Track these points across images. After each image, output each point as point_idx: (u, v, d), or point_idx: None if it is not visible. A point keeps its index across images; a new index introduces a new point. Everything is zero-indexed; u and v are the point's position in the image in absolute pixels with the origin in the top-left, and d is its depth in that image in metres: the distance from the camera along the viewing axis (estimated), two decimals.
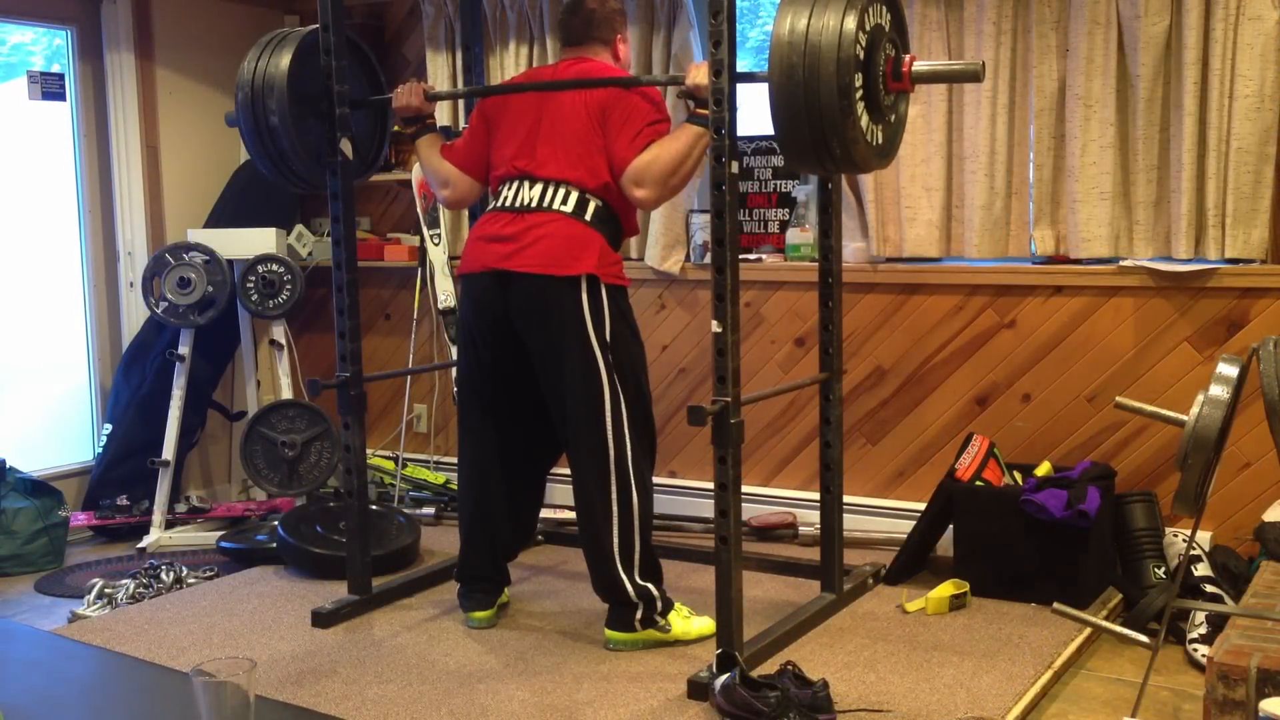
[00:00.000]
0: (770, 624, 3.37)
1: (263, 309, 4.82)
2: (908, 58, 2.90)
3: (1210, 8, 3.61)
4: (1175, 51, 3.70)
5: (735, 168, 2.95)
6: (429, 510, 4.77)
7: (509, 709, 2.94)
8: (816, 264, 3.57)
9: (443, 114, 4.88)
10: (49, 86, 4.79)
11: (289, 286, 4.81)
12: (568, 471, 3.41)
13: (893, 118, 2.97)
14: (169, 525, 4.67)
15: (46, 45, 5.00)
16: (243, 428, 4.73)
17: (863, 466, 4.30)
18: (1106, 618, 3.45)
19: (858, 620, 3.53)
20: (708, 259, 3.40)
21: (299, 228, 5.21)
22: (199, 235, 4.84)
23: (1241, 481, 3.71)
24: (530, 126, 3.37)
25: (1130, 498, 3.77)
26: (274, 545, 4.18)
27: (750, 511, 4.23)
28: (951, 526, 3.79)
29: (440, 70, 4.88)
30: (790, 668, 2.86)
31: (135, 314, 4.96)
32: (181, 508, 4.81)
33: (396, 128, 3.90)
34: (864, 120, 2.78)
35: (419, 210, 4.90)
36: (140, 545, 4.55)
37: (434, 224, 4.87)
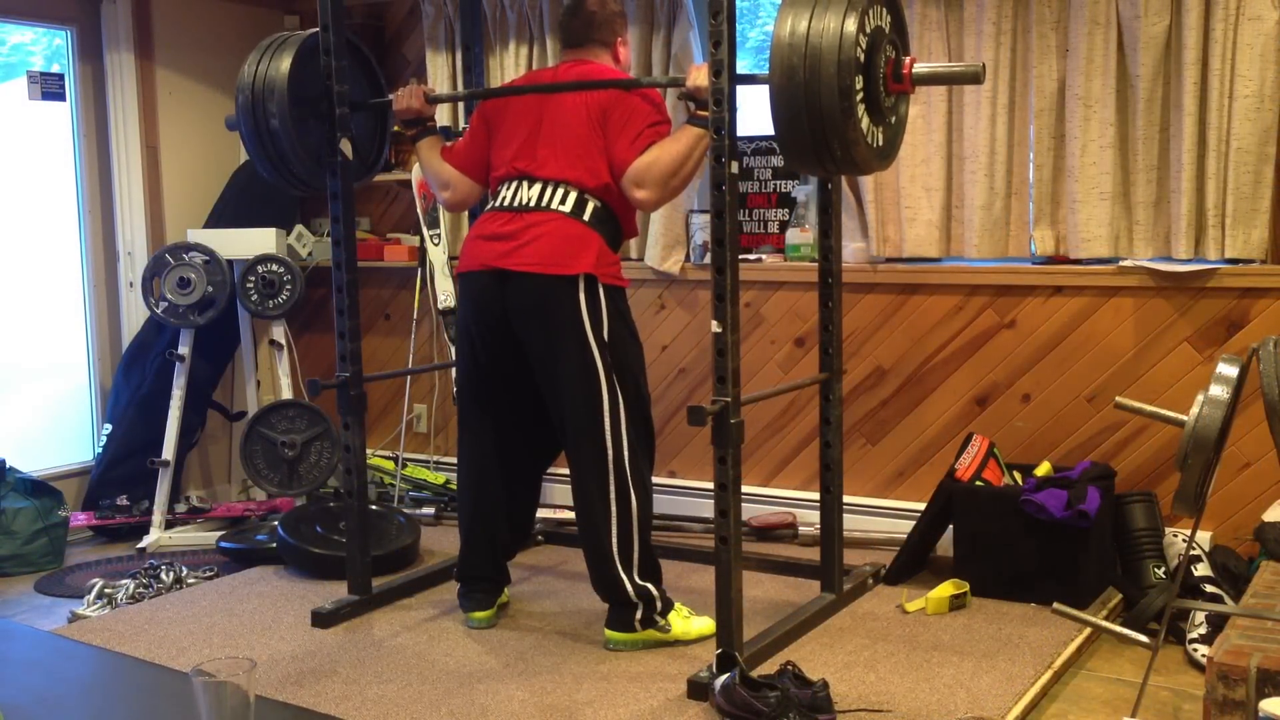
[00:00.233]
0: (770, 624, 3.37)
1: (263, 309, 4.82)
2: (908, 59, 2.90)
3: (1210, 8, 3.61)
4: (1175, 51, 3.70)
5: (735, 168, 2.95)
6: (429, 510, 4.77)
7: (509, 709, 2.94)
8: (816, 264, 3.57)
9: (442, 114, 4.89)
10: (49, 86, 4.79)
11: (289, 286, 4.81)
12: (567, 471, 3.41)
13: (893, 119, 2.97)
14: (169, 525, 4.67)
15: (46, 45, 5.00)
16: (243, 428, 4.73)
17: (863, 466, 4.30)
18: (1106, 618, 3.45)
19: (858, 620, 3.53)
20: (708, 259, 3.40)
21: (299, 228, 5.21)
22: (199, 235, 4.84)
23: (1241, 481, 3.71)
24: (531, 128, 3.37)
25: (1130, 498, 3.77)
26: (274, 545, 4.18)
27: (750, 511, 4.23)
28: (951, 526, 3.79)
29: (440, 70, 4.88)
30: (790, 668, 2.86)
31: (135, 314, 4.96)
32: (181, 508, 4.81)
33: (397, 128, 3.90)
34: (865, 122, 2.78)
35: (419, 210, 4.90)
36: (140, 545, 4.55)
37: (434, 224, 4.87)
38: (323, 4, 3.51)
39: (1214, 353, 3.70)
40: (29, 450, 4.72)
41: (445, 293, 4.77)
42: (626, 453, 3.28)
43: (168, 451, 4.67)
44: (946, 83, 3.26)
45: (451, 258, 4.82)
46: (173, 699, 1.83)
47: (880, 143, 2.89)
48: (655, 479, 3.52)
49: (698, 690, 2.98)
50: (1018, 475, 3.87)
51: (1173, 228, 3.75)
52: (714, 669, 2.97)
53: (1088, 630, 3.31)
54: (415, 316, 5.06)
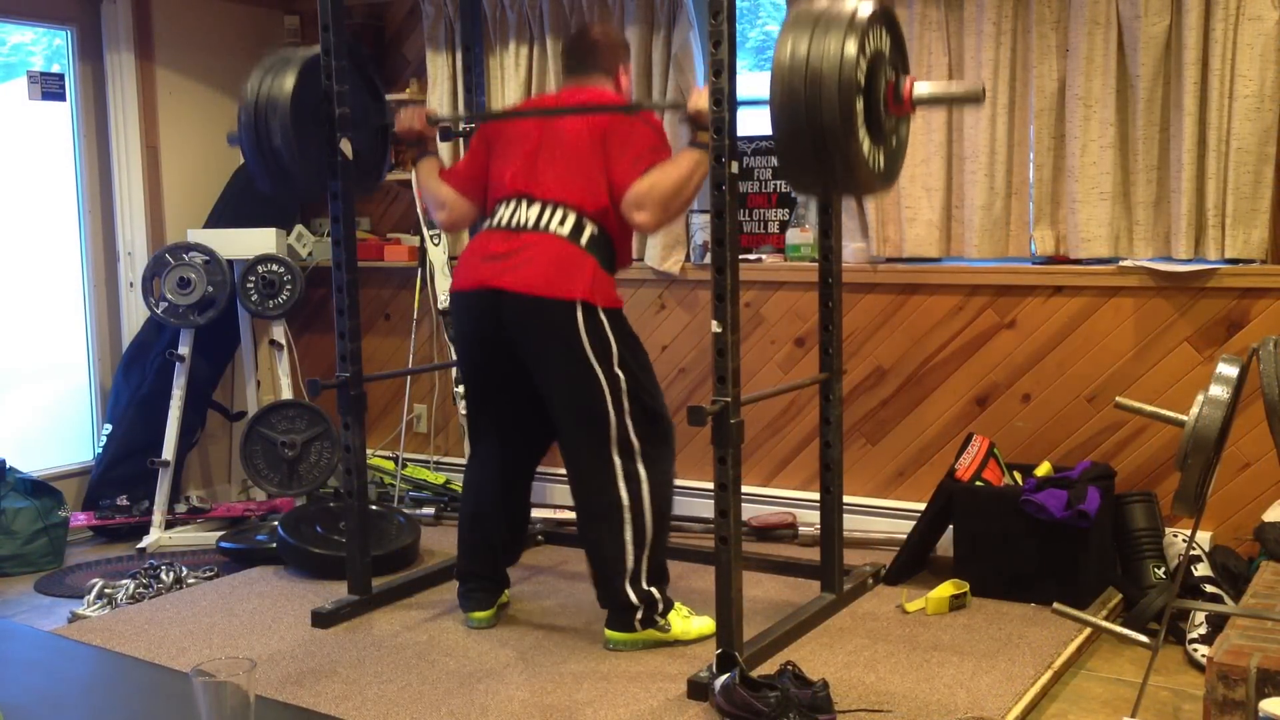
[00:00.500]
0: (770, 624, 3.37)
1: (263, 309, 4.82)
2: (908, 81, 2.90)
3: (1210, 8, 3.61)
4: (1175, 51, 3.70)
5: (735, 168, 2.95)
6: (429, 510, 4.77)
7: (509, 709, 2.94)
8: (816, 264, 3.57)
9: (442, 114, 4.89)
10: (49, 86, 4.79)
11: (289, 287, 4.81)
12: (564, 471, 3.41)
13: (894, 141, 2.98)
14: (169, 525, 4.67)
15: (46, 45, 5.00)
16: (243, 428, 4.73)
17: (863, 466, 4.30)
18: (1106, 618, 3.45)
19: (858, 620, 3.53)
20: (708, 259, 3.40)
21: (299, 228, 5.21)
22: (199, 235, 4.84)
23: (1241, 481, 3.71)
24: (531, 149, 3.37)
25: (1130, 498, 3.77)
26: (274, 545, 4.18)
27: (750, 511, 4.23)
28: (951, 526, 3.79)
29: (440, 70, 4.88)
30: (790, 668, 2.86)
31: (135, 314, 4.96)
32: (181, 508, 4.81)
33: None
34: (866, 144, 2.78)
35: (419, 210, 4.90)
36: (140, 545, 4.55)
37: (434, 224, 4.87)
38: (323, 4, 3.50)
39: (1214, 353, 3.70)
40: (29, 450, 4.72)
41: (445, 292, 4.78)
42: (640, 475, 3.27)
43: (168, 451, 4.67)
44: (947, 104, 3.27)
45: (451, 257, 4.82)
46: (173, 699, 1.83)
47: (882, 165, 2.89)
48: None
49: (698, 690, 2.98)
50: (1018, 475, 3.87)
51: (1173, 228, 3.75)
52: (714, 669, 2.97)
53: (1088, 630, 3.31)
54: (415, 316, 5.06)
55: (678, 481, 4.55)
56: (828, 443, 3.59)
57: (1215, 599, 3.37)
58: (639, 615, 3.28)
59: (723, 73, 2.90)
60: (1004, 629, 3.41)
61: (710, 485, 3.05)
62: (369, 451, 4.72)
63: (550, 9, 4.62)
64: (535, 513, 4.17)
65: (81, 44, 4.89)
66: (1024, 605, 3.58)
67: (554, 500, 4.64)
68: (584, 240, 3.27)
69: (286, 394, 4.83)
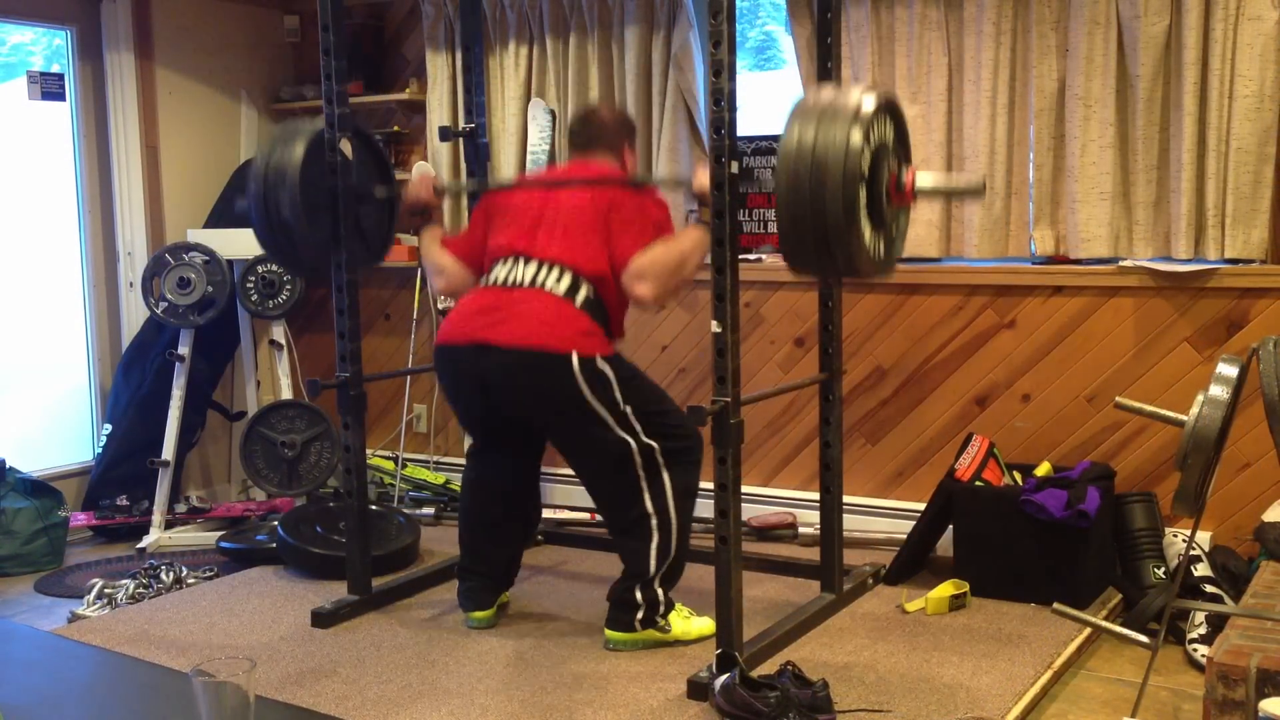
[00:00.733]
0: (770, 624, 3.37)
1: (263, 309, 4.82)
2: (909, 171, 2.92)
3: (1210, 8, 3.61)
4: (1175, 51, 3.70)
5: (735, 168, 2.95)
6: (429, 510, 4.77)
7: (509, 709, 2.94)
8: None
9: (442, 114, 4.89)
10: (49, 86, 4.79)
11: (289, 286, 4.81)
12: (569, 471, 3.42)
13: (894, 229, 3.01)
14: (169, 525, 4.67)
15: (46, 45, 5.01)
16: (242, 428, 4.73)
17: (863, 466, 4.30)
18: (1106, 618, 3.45)
19: (858, 620, 3.53)
20: (708, 259, 3.39)
21: None
22: (199, 235, 4.84)
23: (1241, 481, 3.71)
24: (533, 216, 3.36)
25: (1130, 498, 3.77)
26: (274, 545, 4.18)
27: (750, 511, 4.23)
28: (951, 526, 3.79)
29: (440, 70, 4.89)
30: (790, 668, 2.86)
31: (135, 314, 4.96)
32: (181, 508, 4.81)
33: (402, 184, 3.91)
34: (867, 232, 2.80)
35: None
36: (140, 545, 4.55)
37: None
38: (323, 4, 3.50)
39: (1214, 353, 3.70)
40: (29, 450, 4.72)
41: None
42: (669, 484, 3.27)
43: (168, 451, 4.67)
44: (948, 196, 3.32)
45: None
46: (173, 699, 1.83)
47: (881, 253, 2.92)
48: None
49: (698, 690, 2.98)
50: (1018, 475, 3.87)
51: (1172, 228, 3.75)
52: (714, 669, 2.97)
53: (1088, 630, 3.31)
54: (415, 316, 5.06)
55: None
56: (827, 443, 3.59)
57: (1215, 599, 3.37)
58: (640, 615, 3.28)
59: (723, 73, 2.90)
60: (1004, 629, 3.41)
61: (710, 485, 3.05)
62: (369, 451, 4.72)
63: (550, 9, 4.62)
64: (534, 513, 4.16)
65: (81, 44, 4.89)
66: (1024, 605, 3.58)
67: (554, 500, 4.64)
68: (579, 300, 3.24)
69: (286, 394, 4.84)
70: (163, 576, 3.99)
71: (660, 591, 3.31)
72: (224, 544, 4.36)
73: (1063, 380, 3.97)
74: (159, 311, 4.69)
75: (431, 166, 4.91)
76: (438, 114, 4.90)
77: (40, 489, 4.48)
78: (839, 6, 3.54)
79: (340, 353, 3.61)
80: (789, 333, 4.41)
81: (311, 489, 4.62)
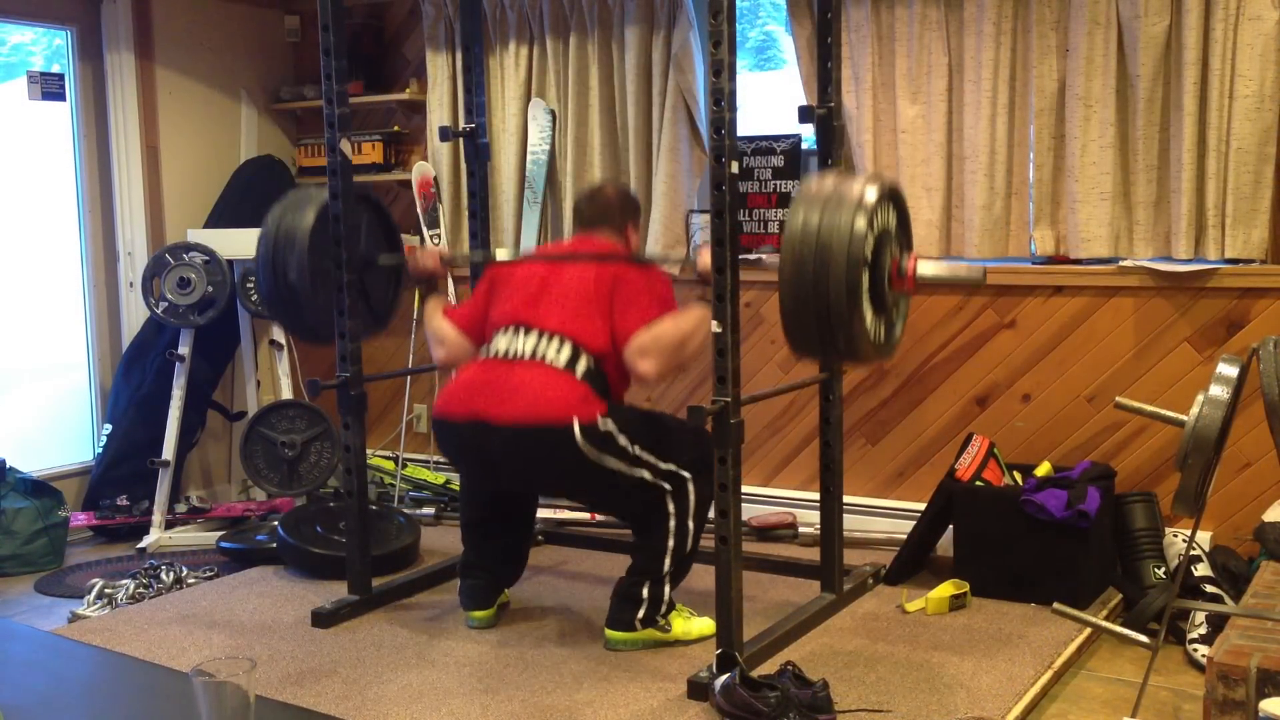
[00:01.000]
0: (770, 624, 3.37)
1: (263, 309, 4.82)
2: (911, 258, 2.94)
3: (1210, 8, 3.61)
4: (1175, 51, 3.70)
5: (735, 168, 2.95)
6: (429, 510, 4.77)
7: (509, 709, 2.94)
8: None
9: (443, 114, 4.89)
10: (49, 86, 4.79)
11: None
12: None
13: (895, 314, 3.03)
14: (169, 525, 4.67)
15: (46, 45, 5.01)
16: (243, 428, 4.73)
17: (863, 466, 4.30)
18: (1106, 618, 3.45)
19: (858, 620, 3.53)
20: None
21: None
22: (199, 235, 4.84)
23: (1241, 481, 3.71)
24: (536, 288, 3.37)
25: (1130, 498, 3.77)
26: (274, 545, 4.18)
27: (750, 511, 4.23)
28: (951, 526, 3.79)
29: (440, 70, 4.89)
30: (790, 668, 2.86)
31: (135, 314, 4.96)
32: (181, 508, 4.81)
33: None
34: (869, 317, 2.83)
35: (419, 210, 4.90)
36: (140, 545, 4.55)
37: (434, 224, 4.88)
38: (323, 4, 3.50)
39: (1214, 353, 3.70)
40: (29, 450, 4.72)
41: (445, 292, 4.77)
42: (691, 492, 3.29)
43: (168, 451, 4.67)
44: (949, 282, 3.35)
45: None
46: (173, 699, 1.83)
47: (882, 337, 2.94)
48: None
49: (698, 690, 2.98)
50: (1018, 475, 3.87)
51: (1173, 228, 3.75)
52: (714, 669, 2.97)
53: (1088, 630, 3.31)
54: (415, 316, 5.06)
55: None
56: (827, 443, 3.59)
57: (1215, 599, 3.37)
58: (642, 613, 3.28)
59: (723, 73, 2.90)
60: (1004, 629, 3.41)
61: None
62: (369, 451, 4.72)
63: (550, 9, 4.62)
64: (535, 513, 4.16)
65: (81, 44, 4.89)
66: (1024, 605, 3.58)
67: (554, 500, 4.64)
68: (579, 371, 3.24)
69: (286, 394, 4.83)
70: (163, 576, 3.99)
71: (666, 590, 3.31)
72: (224, 544, 4.36)
73: (1063, 380, 3.97)
74: (159, 311, 4.69)
75: (431, 167, 4.92)
76: (438, 114, 4.90)
77: (40, 489, 4.48)
78: (839, 6, 3.54)
79: (340, 353, 3.61)
80: None
81: (311, 489, 4.62)
